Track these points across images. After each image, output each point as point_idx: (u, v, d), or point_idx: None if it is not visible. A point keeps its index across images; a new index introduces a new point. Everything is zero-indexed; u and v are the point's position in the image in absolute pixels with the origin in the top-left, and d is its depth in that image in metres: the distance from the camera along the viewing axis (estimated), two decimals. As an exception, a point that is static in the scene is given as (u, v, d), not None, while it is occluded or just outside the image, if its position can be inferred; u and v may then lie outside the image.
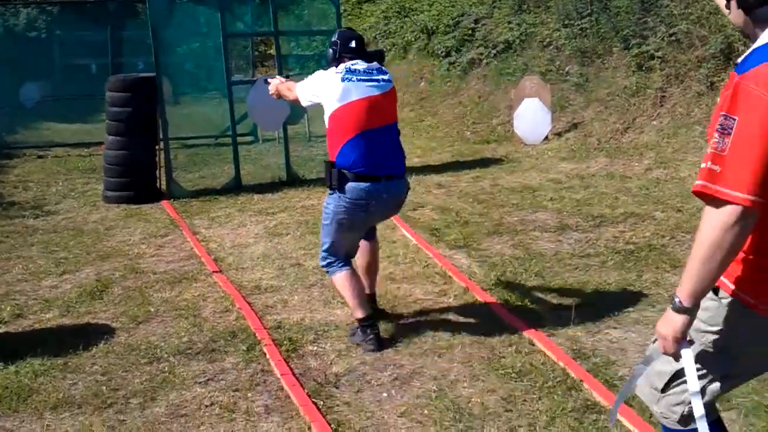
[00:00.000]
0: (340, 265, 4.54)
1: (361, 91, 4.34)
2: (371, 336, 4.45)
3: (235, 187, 8.87)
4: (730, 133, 1.87)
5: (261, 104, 8.44)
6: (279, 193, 8.62)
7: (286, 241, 6.77)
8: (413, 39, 15.45)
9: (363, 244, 4.75)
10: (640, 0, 11.02)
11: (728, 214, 1.88)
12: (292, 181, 9.01)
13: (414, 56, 15.23)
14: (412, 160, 9.88)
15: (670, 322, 2.06)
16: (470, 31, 14.27)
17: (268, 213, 7.84)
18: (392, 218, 7.05)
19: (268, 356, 4.43)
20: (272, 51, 19.57)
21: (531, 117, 10.14)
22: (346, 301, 4.65)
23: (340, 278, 4.53)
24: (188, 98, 17.01)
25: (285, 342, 4.63)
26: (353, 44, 4.49)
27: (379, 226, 6.97)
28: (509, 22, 13.49)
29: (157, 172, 8.78)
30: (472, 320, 4.87)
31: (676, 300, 2.03)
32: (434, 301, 5.23)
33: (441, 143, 11.19)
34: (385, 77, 4.49)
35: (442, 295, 5.31)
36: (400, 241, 6.57)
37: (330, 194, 4.46)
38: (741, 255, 2.01)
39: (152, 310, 5.32)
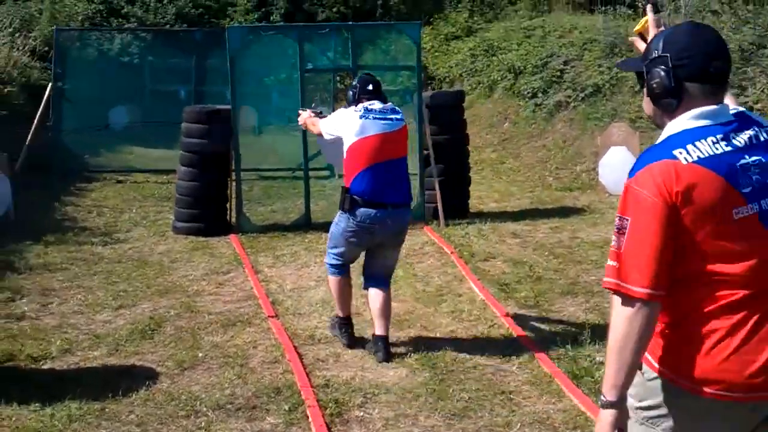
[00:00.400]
0: (340, 270, 5.15)
1: (376, 128, 4.96)
2: (345, 333, 5.17)
3: (305, 224, 8.63)
4: (624, 233, 2.02)
5: (333, 141, 8.22)
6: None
7: (348, 287, 6.47)
8: (499, 78, 15.08)
9: (374, 292, 5.07)
10: (739, 49, 10.41)
11: (631, 307, 2.00)
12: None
13: (499, 96, 14.86)
14: (488, 204, 9.55)
15: (600, 420, 2.09)
16: (558, 73, 13.83)
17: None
18: (461, 269, 6.74)
19: (310, 420, 4.10)
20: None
21: (618, 166, 9.62)
22: (333, 298, 5.26)
23: (335, 281, 5.16)
24: (273, 128, 17.07)
25: (330, 404, 4.30)
26: (370, 87, 5.15)
27: (447, 277, 6.73)
28: (599, 66, 13.01)
29: (228, 204, 8.63)
30: (534, 393, 4.45)
31: (602, 397, 2.07)
32: (496, 368, 4.82)
33: (521, 188, 10.75)
34: (398, 116, 5.09)
35: (507, 362, 4.90)
36: (466, 296, 6.18)
37: (341, 214, 5.04)
38: (659, 330, 2.09)
39: (200, 355, 5.07)
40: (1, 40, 14.51)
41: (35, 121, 11.04)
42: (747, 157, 2.05)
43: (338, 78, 15.02)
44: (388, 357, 4.90)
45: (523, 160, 12.30)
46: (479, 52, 16.95)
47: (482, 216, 8.75)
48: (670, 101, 2.11)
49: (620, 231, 2.03)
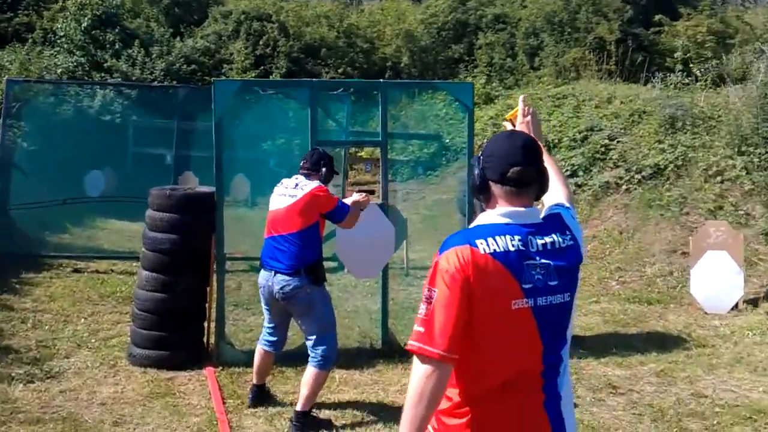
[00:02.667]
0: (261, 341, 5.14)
1: (273, 203, 5.06)
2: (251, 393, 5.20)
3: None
4: (430, 302, 2.17)
5: (353, 243, 5.80)
6: (370, 371, 5.87)
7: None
8: (530, 152, 12.77)
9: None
10: None
11: (426, 365, 2.13)
12: (390, 351, 6.21)
13: (531, 172, 12.51)
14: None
15: None
16: (603, 149, 11.55)
17: (356, 407, 5.11)
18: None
19: None
20: (363, 154, 17.27)
21: (716, 276, 7.23)
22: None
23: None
24: (265, 201, 14.65)
25: None
26: (303, 162, 5.07)
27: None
28: (659, 142, 10.72)
29: (206, 322, 6.15)
30: None
31: None
32: None
33: (581, 295, 8.27)
34: (293, 193, 4.91)
35: None
36: None
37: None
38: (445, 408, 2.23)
39: None
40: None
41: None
42: (537, 258, 2.21)
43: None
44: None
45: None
46: (502, 121, 14.70)
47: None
48: (479, 196, 2.35)
49: (428, 300, 2.18)
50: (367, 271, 6.13)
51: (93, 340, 6.47)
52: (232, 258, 9.37)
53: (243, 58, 17.81)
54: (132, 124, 15.40)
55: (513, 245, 2.19)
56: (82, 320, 7.01)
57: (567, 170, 11.50)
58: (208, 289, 6.06)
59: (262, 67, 17.93)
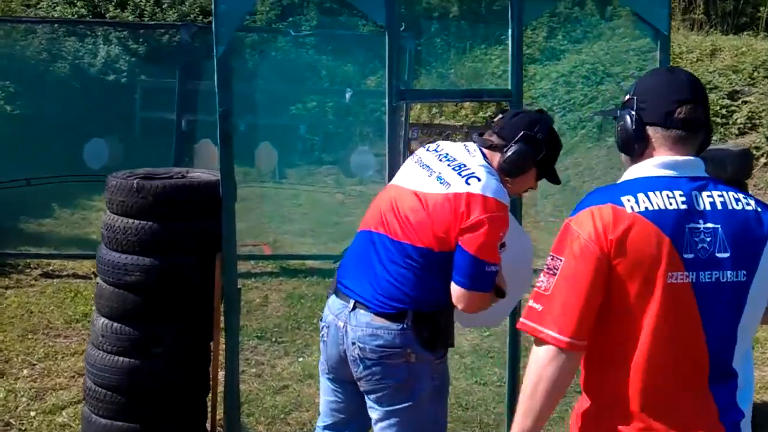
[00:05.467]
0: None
1: None
2: None
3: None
4: (555, 274, 1.75)
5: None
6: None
7: None
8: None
9: None
10: None
11: (545, 352, 1.74)
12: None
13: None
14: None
15: None
16: (723, 111, 8.82)
17: None
18: None
19: None
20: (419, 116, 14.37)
21: None
22: None
23: None
24: (295, 173, 12.06)
25: None
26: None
27: None
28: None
29: (208, 400, 3.52)
30: None
31: None
32: None
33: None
34: None
35: None
36: None
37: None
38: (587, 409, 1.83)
39: None
40: None
41: None
42: (701, 221, 1.73)
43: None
44: None
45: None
46: (577, 79, 11.92)
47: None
48: (632, 146, 1.84)
49: (550, 271, 1.77)
50: (484, 315, 3.39)
51: (32, 414, 3.91)
52: (253, 257, 6.81)
53: (268, 9, 15.07)
54: (140, 84, 12.89)
55: (672, 203, 1.73)
56: (26, 371, 4.45)
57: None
58: (211, 346, 3.43)
59: (290, 19, 15.18)
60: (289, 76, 13.10)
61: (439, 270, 2.34)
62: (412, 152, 2.61)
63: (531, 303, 1.79)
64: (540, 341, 1.75)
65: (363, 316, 2.38)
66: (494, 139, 2.48)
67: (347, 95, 12.74)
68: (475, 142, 2.51)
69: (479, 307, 2.39)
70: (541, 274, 1.79)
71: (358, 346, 2.37)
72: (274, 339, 4.95)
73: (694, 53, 10.78)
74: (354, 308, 2.40)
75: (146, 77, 12.84)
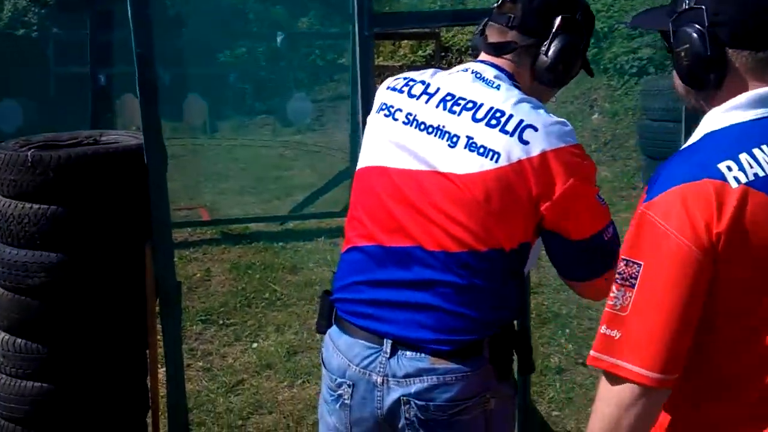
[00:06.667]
0: None
1: None
2: None
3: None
4: (633, 287, 1.22)
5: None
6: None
7: None
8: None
9: None
10: None
11: (625, 392, 1.23)
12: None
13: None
14: None
15: None
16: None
17: None
18: None
19: None
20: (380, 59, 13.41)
21: None
22: None
23: None
24: (228, 126, 11.19)
25: None
26: None
27: None
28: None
29: (148, 419, 2.84)
30: None
31: None
32: None
33: None
34: None
35: None
36: None
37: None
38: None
39: None
40: None
41: None
42: None
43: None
44: None
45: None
46: None
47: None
48: (706, 77, 1.27)
49: (626, 282, 1.23)
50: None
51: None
52: (190, 223, 6.09)
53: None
54: (53, 38, 11.78)
55: None
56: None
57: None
58: (147, 358, 2.74)
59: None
60: (214, 21, 12.10)
61: (511, 271, 1.62)
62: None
63: (603, 329, 1.27)
64: (617, 378, 1.25)
65: (414, 360, 1.61)
66: (516, 37, 1.65)
67: (278, 39, 11.93)
68: (485, 52, 1.67)
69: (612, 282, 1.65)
70: (613, 287, 1.27)
71: (415, 404, 1.61)
72: (221, 322, 4.28)
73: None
74: (394, 351, 1.63)
75: (59, 30, 11.77)
